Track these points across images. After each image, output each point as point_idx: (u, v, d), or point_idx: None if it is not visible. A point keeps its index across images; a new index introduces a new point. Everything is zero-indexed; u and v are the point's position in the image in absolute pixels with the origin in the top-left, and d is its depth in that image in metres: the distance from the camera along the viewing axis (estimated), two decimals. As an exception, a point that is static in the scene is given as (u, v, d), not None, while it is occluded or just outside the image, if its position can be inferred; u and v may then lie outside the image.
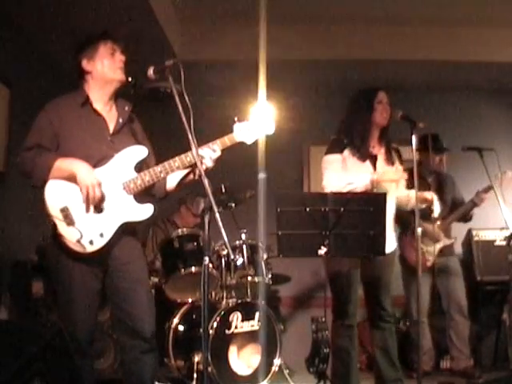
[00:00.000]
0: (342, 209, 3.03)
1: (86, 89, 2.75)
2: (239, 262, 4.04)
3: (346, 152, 3.37)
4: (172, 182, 2.83)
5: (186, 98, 2.45)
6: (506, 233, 4.20)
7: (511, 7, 4.57)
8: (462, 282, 4.46)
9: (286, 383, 3.90)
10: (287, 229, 3.05)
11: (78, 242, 2.53)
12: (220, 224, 2.29)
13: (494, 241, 4.85)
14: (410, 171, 3.32)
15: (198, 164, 2.48)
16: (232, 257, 3.92)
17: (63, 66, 4.91)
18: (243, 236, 4.10)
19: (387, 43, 4.95)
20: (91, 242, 2.55)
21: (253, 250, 4.11)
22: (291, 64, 5.08)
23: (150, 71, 2.64)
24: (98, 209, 2.57)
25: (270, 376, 3.80)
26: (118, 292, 2.66)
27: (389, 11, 4.69)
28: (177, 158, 2.63)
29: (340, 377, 3.37)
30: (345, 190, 3.25)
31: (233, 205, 4.24)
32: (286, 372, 3.92)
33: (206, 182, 2.42)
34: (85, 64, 2.72)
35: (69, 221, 2.54)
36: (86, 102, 2.71)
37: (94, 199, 2.53)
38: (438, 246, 4.34)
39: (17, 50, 4.16)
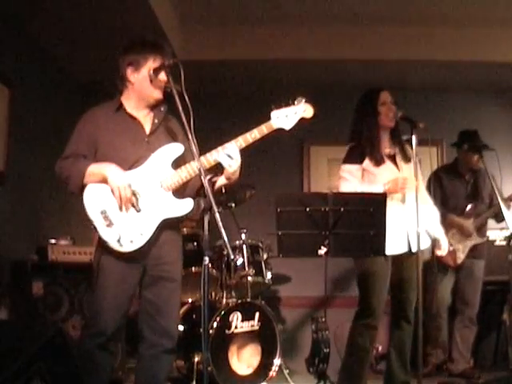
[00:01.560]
0: (342, 209, 3.03)
1: (124, 93, 2.77)
2: (239, 262, 4.05)
3: (366, 161, 3.34)
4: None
5: (186, 98, 2.45)
6: (506, 233, 4.20)
7: (511, 7, 4.57)
8: (479, 289, 4.42)
9: (286, 383, 3.90)
10: (287, 229, 3.05)
11: (118, 241, 2.58)
12: (220, 224, 2.29)
13: (494, 241, 4.85)
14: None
15: (199, 164, 2.48)
16: (232, 257, 3.92)
17: (63, 65, 4.93)
18: (243, 236, 4.10)
19: (387, 43, 4.94)
20: (131, 241, 2.59)
21: (253, 249, 4.11)
22: (291, 64, 5.08)
23: (150, 71, 2.65)
24: (135, 208, 2.61)
25: (269, 376, 3.80)
26: (153, 288, 2.69)
27: (389, 11, 4.68)
28: (213, 152, 2.64)
29: (354, 376, 3.34)
30: None
31: (233, 205, 4.25)
32: (285, 372, 3.92)
33: (206, 182, 2.42)
34: (129, 73, 2.71)
35: (108, 222, 2.59)
36: (120, 107, 2.74)
37: (125, 199, 2.57)
38: (469, 243, 4.32)
39: (17, 49, 4.16)
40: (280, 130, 2.72)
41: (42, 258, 4.07)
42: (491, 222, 4.69)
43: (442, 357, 4.48)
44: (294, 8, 4.67)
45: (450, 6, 4.60)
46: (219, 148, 2.64)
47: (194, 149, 2.48)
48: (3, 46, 3.97)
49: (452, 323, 4.46)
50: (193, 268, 3.87)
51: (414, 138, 3.15)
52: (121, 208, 2.59)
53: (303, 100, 2.76)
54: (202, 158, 2.62)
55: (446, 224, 3.90)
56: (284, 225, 3.04)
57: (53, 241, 4.14)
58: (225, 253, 4.00)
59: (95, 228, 2.61)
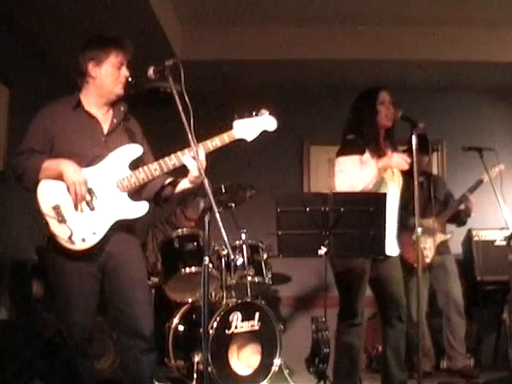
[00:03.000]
0: (342, 209, 3.03)
1: (83, 90, 2.75)
2: (239, 262, 4.05)
3: (367, 154, 3.28)
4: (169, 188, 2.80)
5: (186, 98, 2.45)
6: (506, 233, 4.20)
7: (511, 7, 4.57)
8: (458, 281, 4.45)
9: (286, 383, 3.90)
10: (287, 229, 3.04)
11: (70, 239, 2.54)
12: (220, 224, 2.29)
13: (494, 241, 4.85)
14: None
15: (199, 164, 2.47)
16: (232, 257, 3.92)
17: (63, 65, 4.92)
18: (243, 236, 4.10)
19: (387, 43, 4.95)
20: (83, 240, 2.55)
21: (253, 249, 4.11)
22: (291, 64, 5.08)
23: (150, 71, 2.64)
24: (89, 206, 2.58)
25: (269, 376, 3.80)
26: (116, 292, 2.66)
27: (389, 11, 4.69)
28: (172, 156, 2.63)
29: (346, 375, 3.32)
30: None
31: (233, 205, 4.24)
32: (285, 372, 3.92)
33: (206, 182, 2.41)
34: (90, 67, 2.71)
35: (60, 218, 2.55)
36: (78, 105, 2.72)
37: (80, 196, 2.54)
38: (435, 241, 4.35)
39: (17, 49, 4.16)
40: (241, 140, 2.69)
41: (42, 258, 4.06)
42: (491, 222, 4.70)
43: (430, 364, 4.47)
44: (294, 8, 4.67)
45: (449, 5, 4.61)
46: (179, 152, 2.62)
47: (194, 148, 2.47)
48: (3, 46, 3.97)
49: (439, 323, 4.47)
50: (193, 268, 3.87)
51: (413, 137, 3.14)
52: (76, 205, 2.55)
53: (266, 112, 2.71)
54: (161, 161, 2.61)
55: (410, 226, 3.86)
56: (284, 225, 3.04)
57: (53, 241, 4.13)
58: (225, 253, 4.00)
59: (47, 224, 2.56)
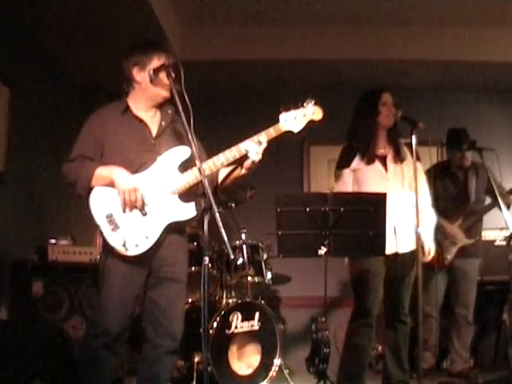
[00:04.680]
0: (342, 209, 3.03)
1: (131, 95, 2.77)
2: (239, 261, 4.05)
3: (356, 160, 3.38)
4: (223, 176, 2.82)
5: (186, 98, 2.45)
6: (506, 233, 4.19)
7: (511, 7, 4.57)
8: (474, 287, 4.38)
9: (286, 383, 3.90)
10: (287, 229, 3.05)
11: (124, 246, 2.58)
12: (220, 224, 2.29)
13: (494, 241, 4.84)
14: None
15: (199, 165, 2.47)
16: (232, 257, 3.92)
17: (63, 65, 4.93)
18: (243, 236, 4.10)
19: (388, 43, 4.95)
20: (137, 245, 2.59)
21: (253, 249, 4.11)
22: (291, 64, 5.08)
23: (150, 71, 2.65)
24: (141, 212, 2.60)
25: (269, 376, 3.80)
26: (158, 289, 2.68)
27: (389, 11, 4.69)
28: (221, 155, 2.63)
29: (353, 376, 3.34)
30: None
31: (233, 205, 4.24)
32: (285, 372, 3.92)
33: (206, 181, 2.42)
34: (135, 73, 2.71)
35: (113, 226, 2.59)
36: (127, 109, 2.74)
37: (131, 203, 2.57)
38: (456, 246, 4.30)
39: (17, 49, 4.16)
40: (288, 132, 2.70)
41: (41, 257, 4.06)
42: (491, 222, 4.68)
43: (433, 361, 4.46)
44: (294, 8, 4.67)
45: (449, 6, 4.61)
46: (227, 150, 2.63)
47: (194, 148, 2.47)
48: (4, 46, 3.97)
49: (448, 324, 4.46)
50: (193, 268, 3.86)
51: (414, 137, 3.14)
52: (124, 211, 2.58)
53: (312, 101, 2.74)
54: (209, 161, 2.63)
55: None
56: (284, 225, 3.04)
57: (53, 241, 4.14)
58: (225, 253, 4.00)
59: (101, 232, 2.60)
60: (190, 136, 2.46)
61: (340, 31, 4.93)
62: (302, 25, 4.88)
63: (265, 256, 4.16)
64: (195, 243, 3.99)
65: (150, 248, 2.61)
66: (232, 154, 2.63)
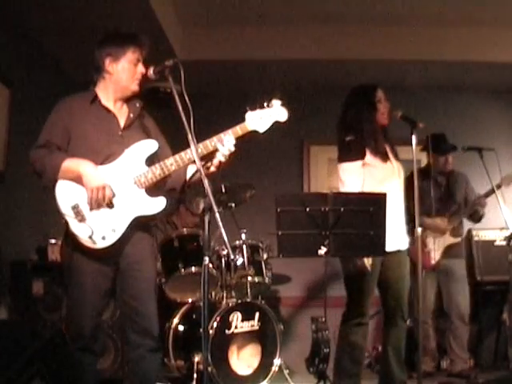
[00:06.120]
0: (342, 209, 3.03)
1: (100, 84, 2.76)
2: (239, 262, 4.04)
3: (368, 155, 3.27)
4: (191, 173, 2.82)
5: (186, 98, 2.45)
6: (506, 233, 4.20)
7: (511, 7, 4.57)
8: (465, 287, 4.42)
9: (286, 383, 3.90)
10: (287, 229, 3.04)
11: (90, 238, 2.56)
12: (220, 224, 2.28)
13: (494, 241, 4.85)
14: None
15: (199, 165, 2.46)
16: (232, 257, 3.92)
17: (63, 65, 4.93)
18: (243, 236, 4.09)
19: (388, 43, 4.95)
20: (103, 238, 2.57)
21: (253, 249, 4.11)
22: (291, 64, 5.08)
23: (150, 71, 2.65)
24: (109, 205, 2.59)
25: (269, 376, 3.80)
26: (129, 290, 2.68)
27: (389, 11, 4.69)
28: (188, 150, 2.63)
29: (350, 375, 3.33)
30: None
31: (233, 205, 4.24)
32: (285, 372, 3.92)
33: (205, 181, 2.41)
34: (107, 63, 2.71)
35: (80, 218, 2.57)
36: (95, 99, 2.73)
37: (98, 201, 2.55)
38: (443, 241, 4.32)
39: (17, 49, 4.17)
40: (254, 132, 2.69)
41: (41, 257, 4.07)
42: (491, 222, 4.69)
43: (432, 364, 4.47)
44: (295, 8, 4.68)
45: (449, 5, 4.61)
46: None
47: (194, 148, 2.47)
48: (3, 46, 3.97)
49: (444, 325, 4.46)
50: (193, 268, 3.86)
51: (413, 137, 3.14)
52: (91, 209, 2.56)
53: (279, 103, 2.73)
54: (177, 156, 2.63)
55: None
56: (284, 225, 3.04)
57: (53, 241, 4.13)
58: (225, 253, 4.00)
59: (66, 223, 2.58)
60: (190, 136, 2.44)
61: (341, 31, 4.93)
62: (303, 25, 4.88)
63: (265, 256, 4.16)
64: (195, 243, 3.98)
65: (117, 241, 2.59)
66: (199, 150, 2.61)
